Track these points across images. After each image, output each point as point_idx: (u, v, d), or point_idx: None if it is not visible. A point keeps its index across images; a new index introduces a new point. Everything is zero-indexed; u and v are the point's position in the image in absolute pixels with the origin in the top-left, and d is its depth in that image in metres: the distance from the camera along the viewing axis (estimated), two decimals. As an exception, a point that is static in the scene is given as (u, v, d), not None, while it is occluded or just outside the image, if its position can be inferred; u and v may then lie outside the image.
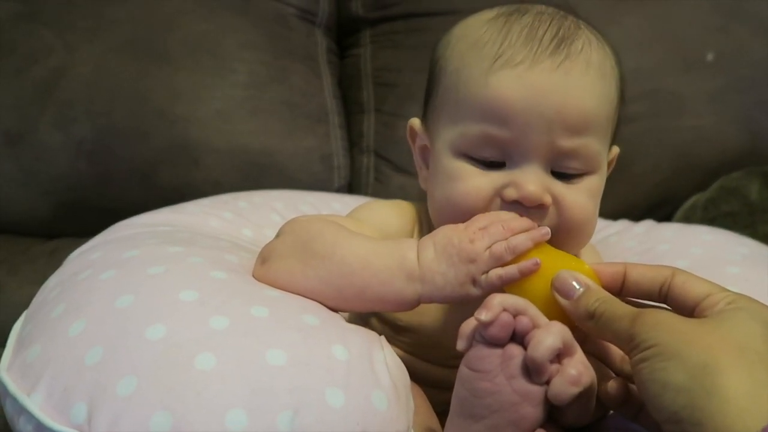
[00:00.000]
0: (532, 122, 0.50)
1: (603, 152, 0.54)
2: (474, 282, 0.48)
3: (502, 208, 0.52)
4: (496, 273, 0.47)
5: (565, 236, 0.53)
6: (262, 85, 1.01)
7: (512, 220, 0.49)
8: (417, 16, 1.08)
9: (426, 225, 0.60)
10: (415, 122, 0.60)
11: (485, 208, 0.52)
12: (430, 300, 0.49)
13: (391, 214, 0.59)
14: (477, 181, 0.52)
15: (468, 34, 0.55)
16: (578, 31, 0.53)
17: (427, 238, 0.50)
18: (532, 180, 0.51)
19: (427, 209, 0.60)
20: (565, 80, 0.50)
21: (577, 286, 0.45)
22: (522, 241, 0.48)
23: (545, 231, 0.49)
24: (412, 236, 0.60)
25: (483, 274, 0.48)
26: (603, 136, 0.54)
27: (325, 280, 0.50)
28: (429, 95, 0.58)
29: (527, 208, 0.51)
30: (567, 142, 0.51)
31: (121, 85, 0.96)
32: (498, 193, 0.52)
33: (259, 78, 1.01)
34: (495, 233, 0.48)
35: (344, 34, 1.15)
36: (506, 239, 0.48)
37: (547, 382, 0.40)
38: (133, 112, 0.96)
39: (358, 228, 0.54)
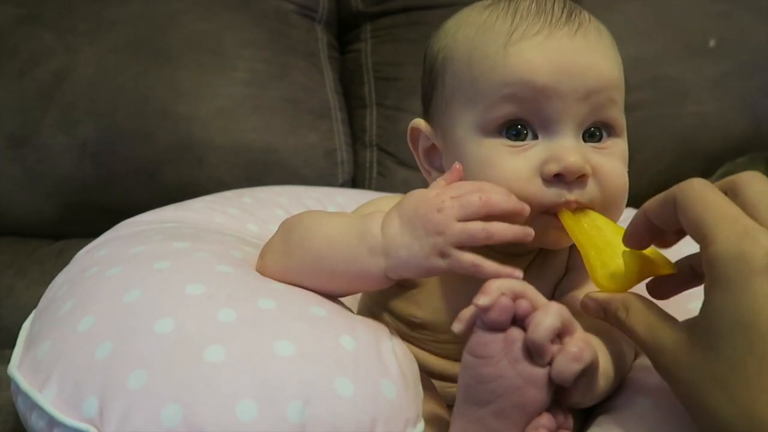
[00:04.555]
0: (560, 85, 0.48)
1: (624, 118, 0.53)
2: (442, 254, 0.45)
3: (543, 189, 0.49)
4: (470, 260, 0.44)
5: (604, 212, 0.51)
6: (264, 83, 1.02)
7: (492, 190, 0.46)
8: (416, 10, 1.08)
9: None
10: (420, 122, 0.56)
11: (527, 191, 0.48)
12: (398, 275, 0.47)
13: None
14: (513, 163, 0.49)
15: (470, 21, 0.53)
16: (579, 5, 0.53)
17: (393, 209, 0.48)
18: (571, 150, 0.48)
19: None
20: (585, 44, 0.50)
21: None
22: (501, 230, 0.44)
23: (529, 232, 0.45)
24: None
25: (452, 246, 0.44)
26: (622, 100, 0.53)
27: (300, 268, 0.50)
28: (431, 91, 0.56)
29: (569, 183, 0.49)
30: (596, 98, 0.49)
31: (123, 86, 0.97)
32: (537, 171, 0.49)
33: (261, 75, 1.02)
34: (468, 203, 0.45)
35: (344, 29, 1.15)
36: (483, 214, 0.45)
37: (550, 363, 0.40)
38: (135, 113, 0.96)
39: None
